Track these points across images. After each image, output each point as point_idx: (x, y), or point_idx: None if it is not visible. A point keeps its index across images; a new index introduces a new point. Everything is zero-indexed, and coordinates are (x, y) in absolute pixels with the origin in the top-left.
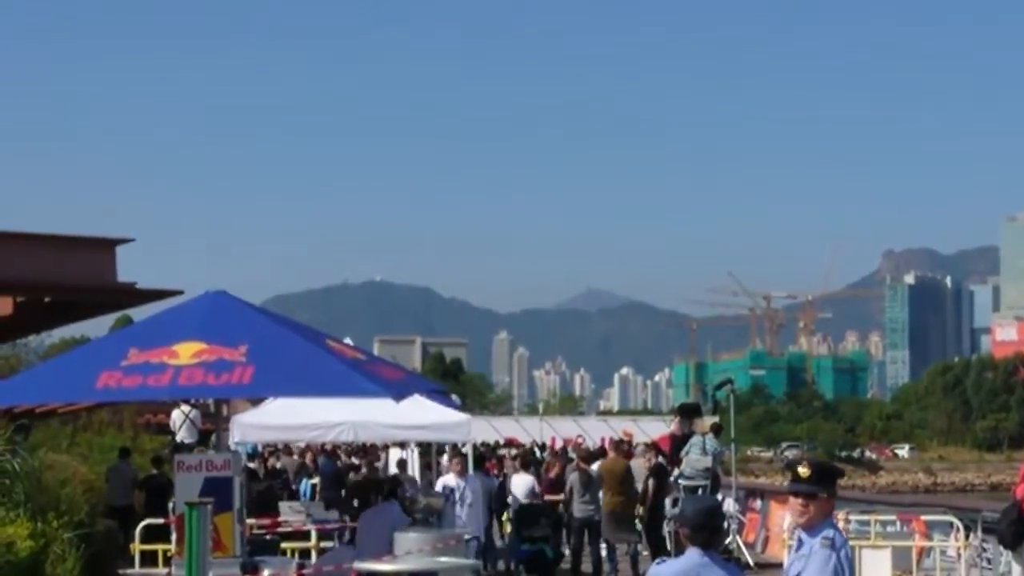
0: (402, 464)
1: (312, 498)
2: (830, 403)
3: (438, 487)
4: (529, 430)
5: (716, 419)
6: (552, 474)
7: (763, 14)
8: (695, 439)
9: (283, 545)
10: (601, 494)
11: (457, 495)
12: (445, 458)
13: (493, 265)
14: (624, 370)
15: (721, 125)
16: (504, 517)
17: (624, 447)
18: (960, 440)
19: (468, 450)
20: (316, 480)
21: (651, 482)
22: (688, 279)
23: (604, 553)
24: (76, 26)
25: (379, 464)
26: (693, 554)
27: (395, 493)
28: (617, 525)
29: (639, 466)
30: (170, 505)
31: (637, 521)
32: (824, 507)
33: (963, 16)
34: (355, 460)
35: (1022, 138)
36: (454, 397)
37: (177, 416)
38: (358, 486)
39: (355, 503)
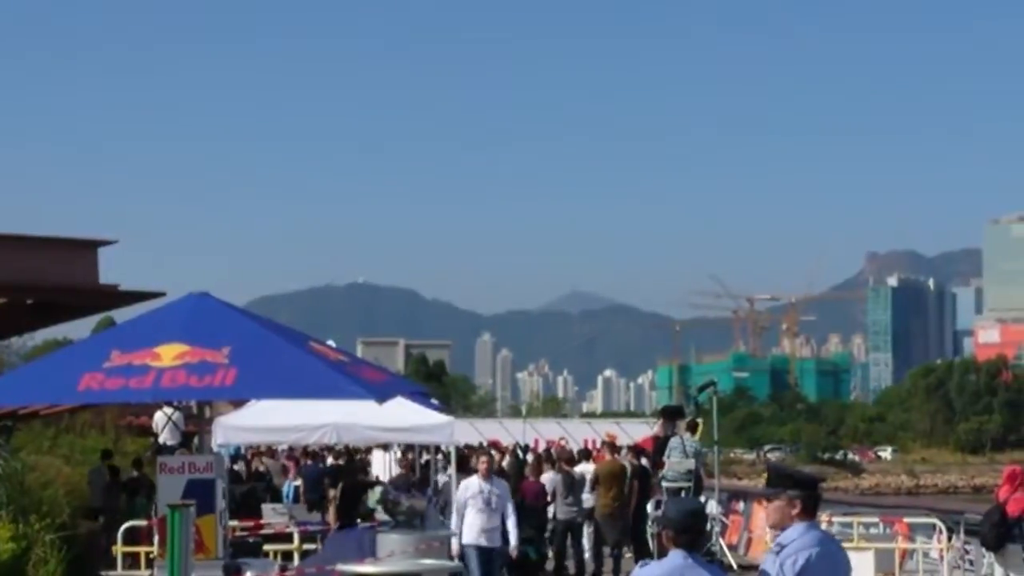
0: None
1: (295, 501)
2: (813, 405)
3: (461, 490)
4: (512, 432)
5: (691, 417)
6: (537, 476)
7: (746, 19)
8: (674, 441)
9: (265, 547)
10: (595, 495)
11: (482, 500)
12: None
13: (477, 267)
14: (607, 372)
15: (704, 128)
16: None
17: (618, 448)
18: (943, 442)
19: (452, 452)
20: (299, 482)
21: (635, 484)
22: (672, 281)
23: (587, 555)
24: (60, 27)
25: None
26: (676, 556)
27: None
28: (614, 526)
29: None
30: (152, 507)
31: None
32: (781, 509)
33: (946, 21)
34: (341, 462)
35: (1005, 141)
36: (433, 401)
37: (160, 418)
38: (358, 488)
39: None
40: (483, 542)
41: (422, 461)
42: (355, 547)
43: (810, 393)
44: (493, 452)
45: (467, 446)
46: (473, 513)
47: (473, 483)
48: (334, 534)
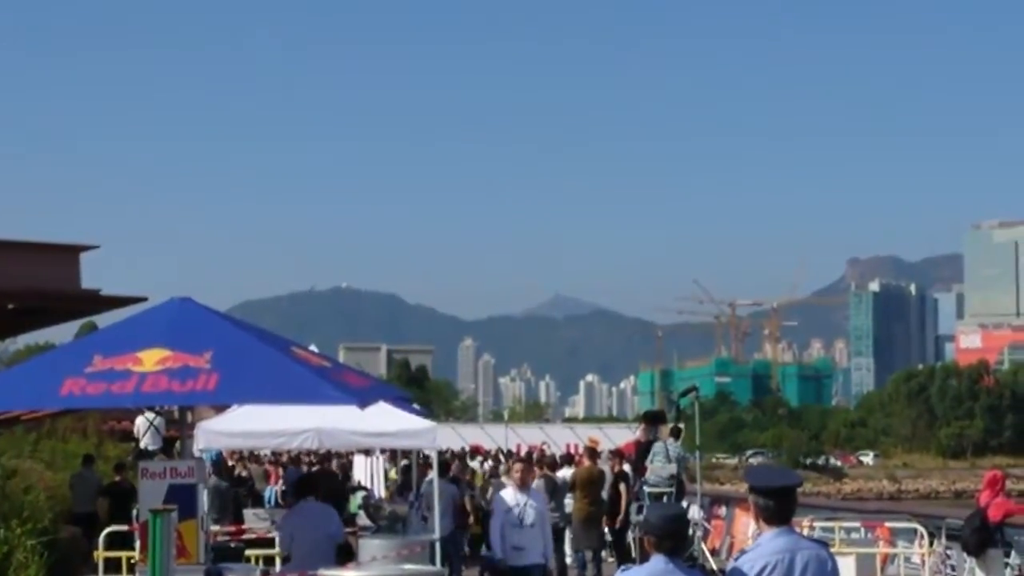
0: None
1: (277, 505)
2: (795, 410)
3: (496, 503)
4: (494, 437)
5: (675, 423)
6: None
7: (727, 24)
8: (657, 446)
9: (247, 552)
10: (572, 500)
11: (516, 513)
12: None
13: (459, 272)
14: (590, 377)
15: (687, 133)
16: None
17: (598, 454)
18: (924, 447)
19: (434, 457)
20: (279, 486)
21: (620, 487)
22: (655, 287)
23: (568, 560)
24: (40, 30)
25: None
26: (658, 561)
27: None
28: (589, 532)
29: (608, 473)
30: (134, 512)
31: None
32: (751, 514)
33: (927, 26)
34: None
35: (986, 147)
36: (415, 406)
37: (141, 423)
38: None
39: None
40: (519, 560)
41: (402, 465)
42: (327, 533)
43: (792, 398)
44: (473, 458)
45: (448, 451)
46: (508, 529)
47: (508, 496)
48: (305, 510)
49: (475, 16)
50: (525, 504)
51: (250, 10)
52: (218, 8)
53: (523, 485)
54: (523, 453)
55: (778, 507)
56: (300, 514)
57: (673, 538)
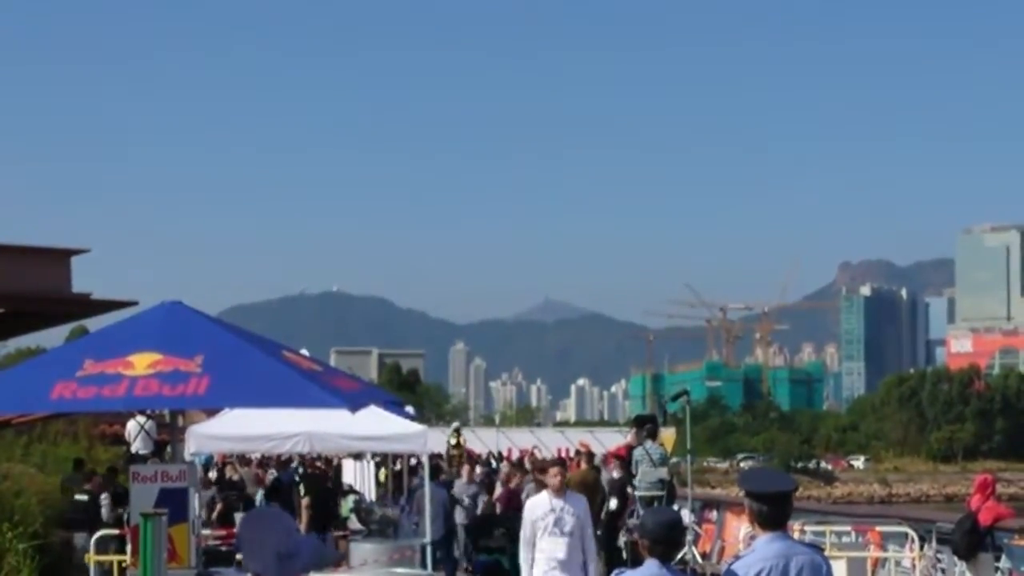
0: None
1: None
2: (786, 414)
3: (528, 511)
4: (485, 441)
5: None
6: (511, 485)
7: (721, 33)
8: (638, 453)
9: (238, 556)
10: None
11: (553, 521)
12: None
13: (451, 276)
14: (581, 381)
15: (679, 137)
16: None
17: (594, 456)
18: (915, 451)
19: (425, 461)
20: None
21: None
22: (646, 291)
23: None
24: (30, 32)
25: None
26: (652, 565)
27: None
28: None
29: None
30: (125, 516)
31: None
32: (747, 516)
33: (917, 31)
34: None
35: (978, 151)
36: (408, 408)
37: (132, 427)
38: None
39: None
40: (557, 574)
41: (394, 469)
42: (275, 539)
43: (783, 402)
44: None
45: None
46: (544, 539)
47: (543, 501)
48: (248, 515)
49: (460, 21)
50: (563, 510)
51: (244, 15)
52: (211, 13)
53: (560, 490)
54: (514, 457)
55: (773, 511)
56: (251, 518)
57: (667, 543)
